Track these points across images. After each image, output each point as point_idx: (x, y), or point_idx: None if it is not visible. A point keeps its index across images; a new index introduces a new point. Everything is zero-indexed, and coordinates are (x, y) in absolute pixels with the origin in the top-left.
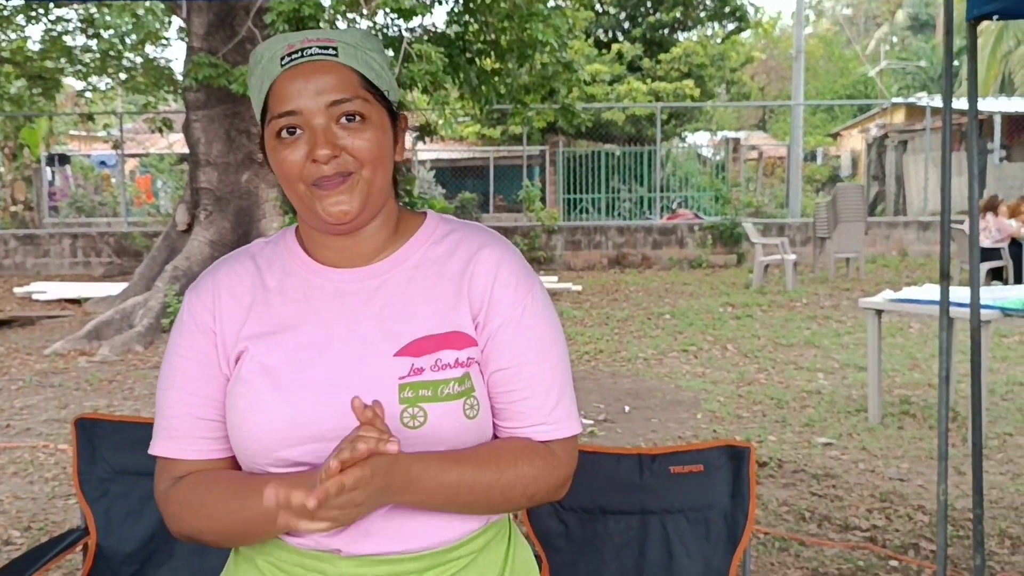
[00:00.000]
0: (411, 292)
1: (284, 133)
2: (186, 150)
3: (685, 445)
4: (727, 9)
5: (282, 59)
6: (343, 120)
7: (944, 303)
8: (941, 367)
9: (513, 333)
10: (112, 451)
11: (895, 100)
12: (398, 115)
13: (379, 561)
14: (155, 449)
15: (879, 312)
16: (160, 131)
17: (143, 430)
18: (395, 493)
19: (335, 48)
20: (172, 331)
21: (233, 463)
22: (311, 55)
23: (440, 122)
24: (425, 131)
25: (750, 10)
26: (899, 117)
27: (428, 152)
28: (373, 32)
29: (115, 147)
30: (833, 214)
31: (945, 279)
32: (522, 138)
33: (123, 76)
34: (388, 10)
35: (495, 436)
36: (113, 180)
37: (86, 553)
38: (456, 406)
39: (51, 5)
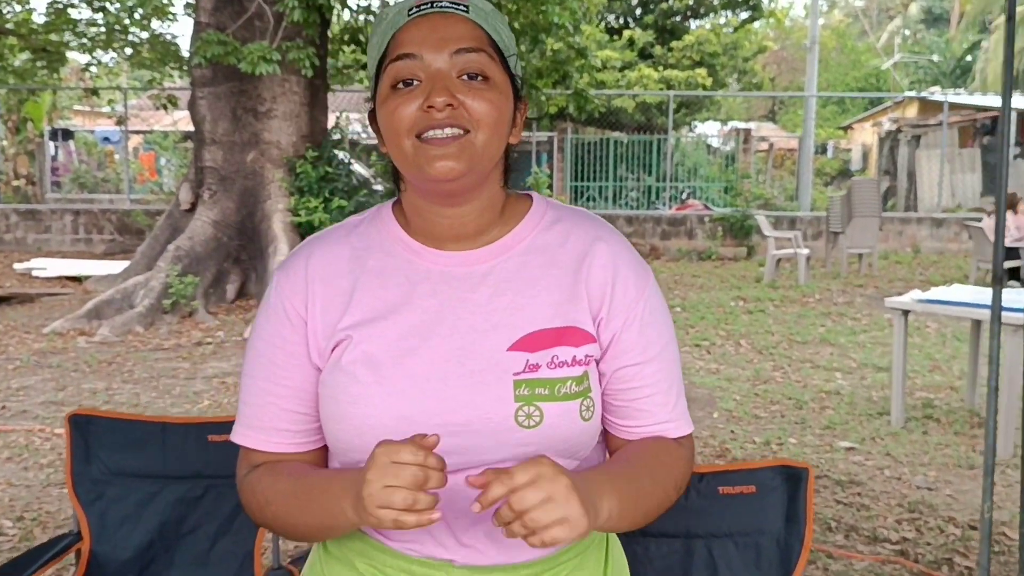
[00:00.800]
0: (523, 280)
1: (400, 85)
2: (191, 128)
3: (736, 464)
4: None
5: (409, 10)
6: (466, 77)
7: (996, 308)
8: (991, 376)
9: (638, 331)
10: (108, 451)
11: (909, 94)
12: (521, 97)
13: (492, 570)
14: (236, 437)
15: (905, 312)
16: (165, 108)
17: (141, 429)
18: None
19: (466, 6)
20: (258, 313)
21: (316, 458)
22: (441, 8)
23: None
24: None
25: (764, 0)
26: (911, 111)
27: None
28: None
29: (119, 123)
30: (847, 208)
31: (997, 283)
32: (530, 124)
33: (128, 51)
34: None
35: (607, 435)
36: (116, 157)
37: (78, 560)
38: (573, 407)
39: None
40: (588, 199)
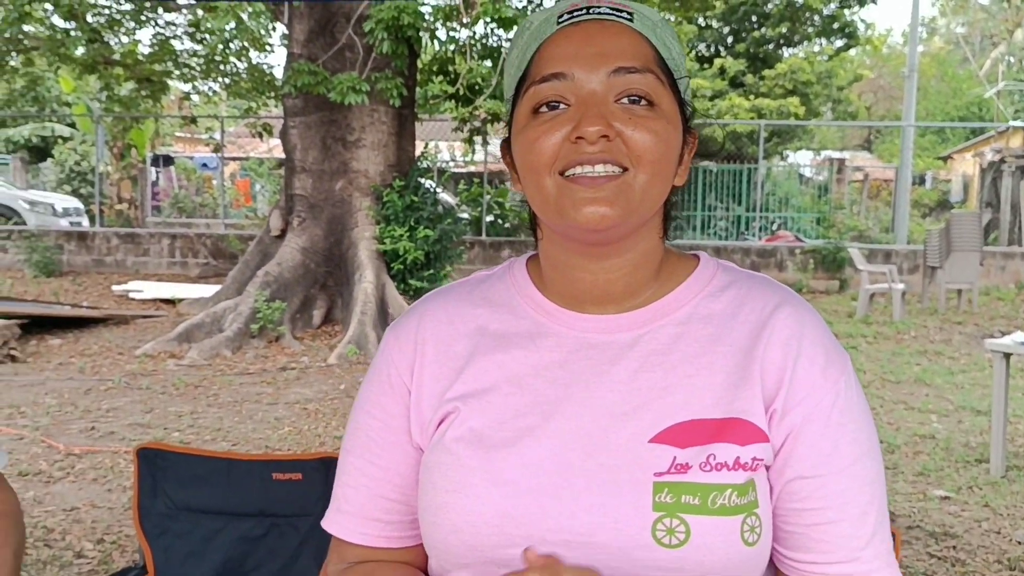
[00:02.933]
0: (679, 356)
1: (544, 108)
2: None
3: None
4: (836, 25)
5: (559, 17)
6: (626, 101)
7: None
8: None
9: (821, 430)
10: (175, 485)
11: (1014, 123)
12: (690, 129)
13: None
14: (326, 522)
15: (1007, 355)
16: (260, 136)
17: (209, 464)
18: None
19: (630, 13)
20: (366, 377)
21: (416, 557)
22: (599, 14)
23: None
24: None
25: (860, 26)
26: (1016, 142)
27: None
28: (475, 40)
29: (216, 150)
30: (946, 242)
31: None
32: None
33: (227, 81)
34: (489, 19)
35: (773, 569)
36: (214, 182)
37: None
38: (732, 524)
39: (160, 9)
40: (675, 228)
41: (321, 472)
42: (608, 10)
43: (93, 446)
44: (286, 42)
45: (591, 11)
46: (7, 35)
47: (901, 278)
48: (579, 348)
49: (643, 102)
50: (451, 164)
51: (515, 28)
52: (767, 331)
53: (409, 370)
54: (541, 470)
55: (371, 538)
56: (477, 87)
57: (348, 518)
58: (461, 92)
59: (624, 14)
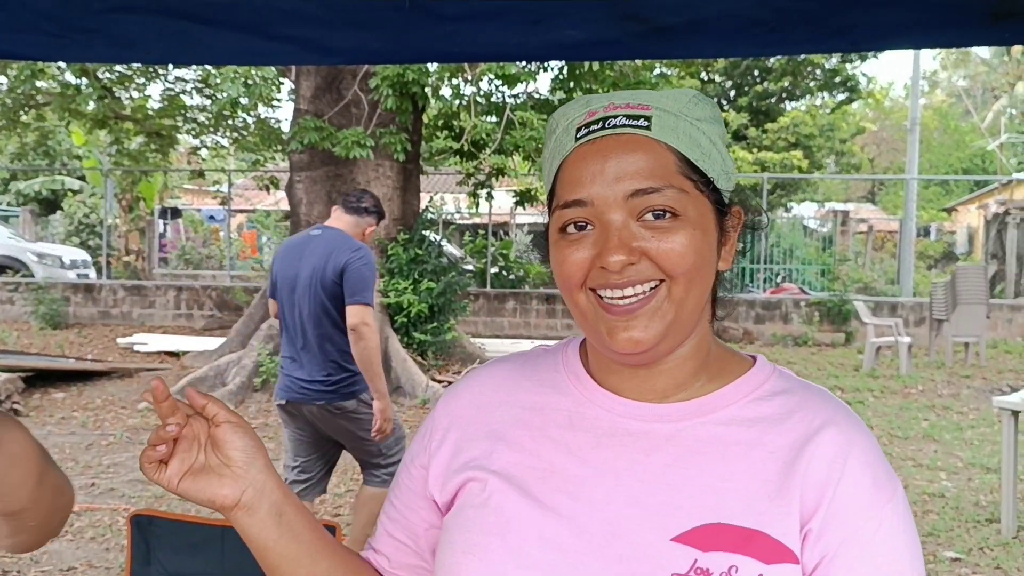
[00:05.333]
0: (715, 456)
1: (571, 228)
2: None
3: None
4: (838, 79)
5: (578, 131)
6: (647, 216)
7: None
8: None
9: (859, 556)
10: (168, 553)
11: (1018, 176)
12: (728, 209)
13: None
14: (366, 552)
15: (1016, 413)
16: (267, 189)
17: (202, 532)
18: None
19: (648, 118)
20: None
21: None
22: (614, 127)
23: (538, 187)
24: (525, 197)
25: (862, 80)
26: (1020, 194)
27: (526, 216)
28: (480, 96)
29: (223, 203)
30: (952, 295)
31: None
32: None
33: (234, 135)
34: (492, 76)
35: None
36: (221, 234)
37: None
38: None
39: (170, 66)
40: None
41: None
42: (624, 120)
43: (92, 503)
44: (293, 97)
45: (607, 124)
46: (20, 91)
47: (907, 331)
48: (614, 433)
49: (667, 215)
50: (456, 216)
51: (518, 86)
52: (812, 445)
53: (445, 428)
54: (559, 548)
55: (376, 565)
56: (481, 142)
57: (376, 556)
58: (466, 148)
59: (642, 121)
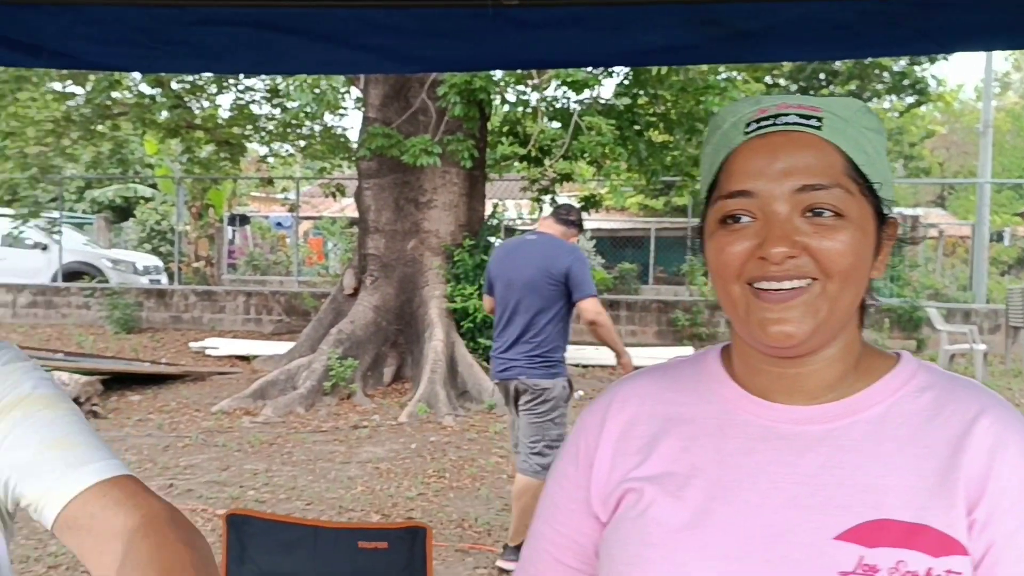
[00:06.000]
0: (868, 454)
1: (730, 220)
2: (356, 214)
3: None
4: (906, 82)
5: (747, 125)
6: (811, 213)
7: None
8: None
9: None
10: (262, 552)
11: None
12: (887, 219)
13: None
14: None
15: None
16: (334, 196)
17: (296, 532)
18: None
19: (819, 119)
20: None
21: None
22: (786, 124)
23: (604, 192)
24: (590, 203)
25: (931, 83)
26: None
27: (589, 222)
28: (546, 102)
29: (291, 210)
30: None
31: None
32: (685, 209)
33: (302, 143)
34: (560, 82)
35: None
36: (288, 240)
37: None
38: None
39: (240, 76)
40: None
41: (407, 541)
42: (796, 119)
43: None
44: (359, 105)
45: (778, 121)
46: (96, 102)
47: (982, 338)
48: (765, 437)
49: (830, 213)
50: (518, 222)
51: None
52: (971, 438)
53: (595, 443)
54: (722, 555)
55: None
56: (547, 148)
57: None
58: (533, 153)
59: (813, 121)
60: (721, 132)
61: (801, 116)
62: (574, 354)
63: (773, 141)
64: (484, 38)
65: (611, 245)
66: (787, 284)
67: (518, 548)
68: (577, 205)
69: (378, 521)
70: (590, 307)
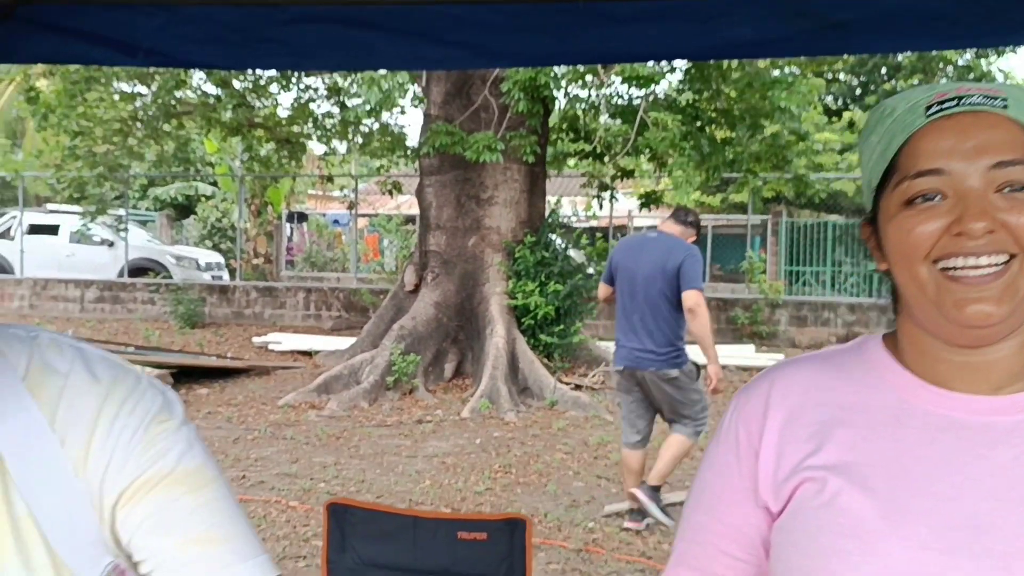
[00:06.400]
0: None
1: (919, 200)
2: (412, 211)
3: None
4: (972, 75)
5: (927, 108)
6: (1007, 189)
7: None
8: None
9: None
10: (362, 541)
11: None
12: None
13: None
14: (668, 575)
15: None
16: (390, 193)
17: (396, 521)
18: None
19: (1004, 99)
20: (712, 438)
21: None
22: (971, 104)
23: (662, 189)
24: (651, 199)
25: (998, 76)
26: None
27: (645, 219)
28: (609, 99)
29: (350, 207)
30: None
31: None
32: (741, 207)
33: (361, 141)
34: (623, 78)
35: None
36: (344, 238)
37: None
38: None
39: (303, 74)
40: (803, 283)
41: (506, 533)
42: (981, 99)
43: (245, 495)
44: (416, 103)
45: (961, 101)
46: (161, 102)
47: None
48: (949, 428)
49: None
50: (573, 219)
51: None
52: None
53: (759, 432)
54: (925, 547)
55: None
56: (609, 144)
57: (693, 573)
58: (599, 149)
59: (998, 101)
60: (893, 119)
61: (985, 96)
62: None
63: (961, 121)
64: (573, 33)
65: None
66: (984, 260)
67: (656, 488)
68: (636, 202)
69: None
70: (692, 297)
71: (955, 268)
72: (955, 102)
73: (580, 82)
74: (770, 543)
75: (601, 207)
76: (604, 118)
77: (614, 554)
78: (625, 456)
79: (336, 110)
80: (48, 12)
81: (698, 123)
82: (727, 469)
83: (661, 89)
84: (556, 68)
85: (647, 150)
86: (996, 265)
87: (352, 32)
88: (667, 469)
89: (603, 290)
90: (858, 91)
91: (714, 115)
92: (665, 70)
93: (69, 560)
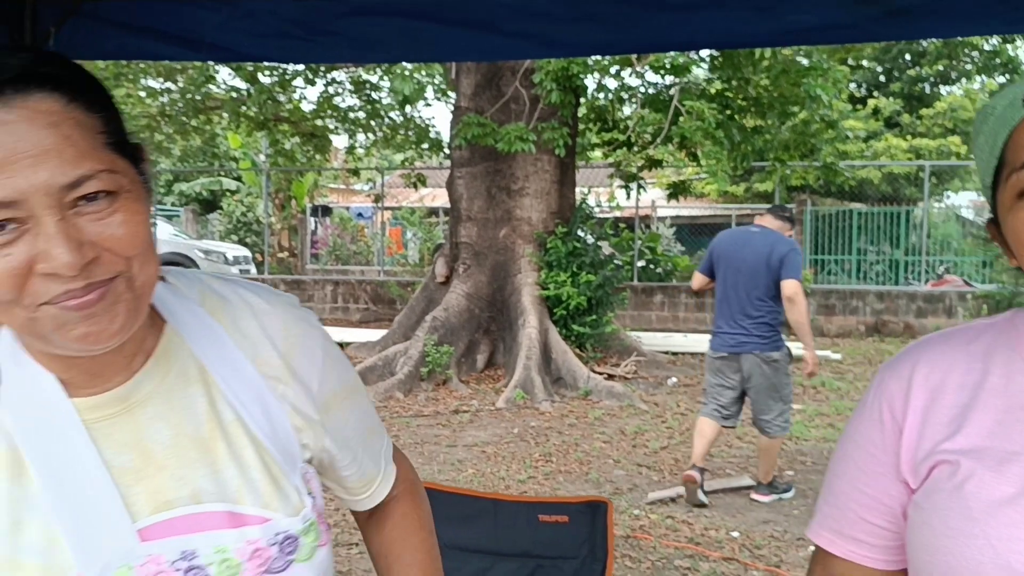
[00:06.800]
0: None
1: None
2: (435, 204)
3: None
4: (998, 60)
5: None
6: None
7: None
8: None
9: None
10: (441, 523)
11: None
12: None
13: None
14: (813, 535)
15: None
16: (415, 186)
17: (476, 504)
18: None
19: None
20: (855, 411)
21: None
22: None
23: (688, 179)
24: (679, 189)
25: None
26: None
27: (668, 209)
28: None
29: (376, 200)
30: None
31: None
32: (765, 195)
33: (381, 134)
34: (658, 67)
35: None
36: (367, 231)
37: None
38: None
39: (328, 67)
40: (828, 272)
41: (588, 515)
42: None
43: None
44: (439, 96)
45: None
46: (190, 97)
47: None
48: None
49: None
50: (596, 210)
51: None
52: None
53: (902, 411)
54: None
55: (858, 556)
56: (639, 133)
57: (837, 536)
58: (633, 139)
59: None
60: (995, 116)
61: None
62: (662, 341)
63: None
64: (631, 22)
65: (690, 232)
66: None
67: (771, 484)
68: (663, 192)
69: None
70: (792, 286)
71: None
72: None
73: (610, 71)
74: (908, 516)
75: (628, 197)
76: (633, 108)
77: (662, 540)
78: (702, 424)
79: (358, 103)
80: (113, 8)
81: (728, 111)
82: (870, 443)
83: (691, 78)
84: (589, 58)
85: (680, 139)
86: None
87: (412, 23)
88: (770, 466)
89: (699, 280)
90: (882, 78)
91: (743, 103)
92: (695, 59)
93: (278, 458)
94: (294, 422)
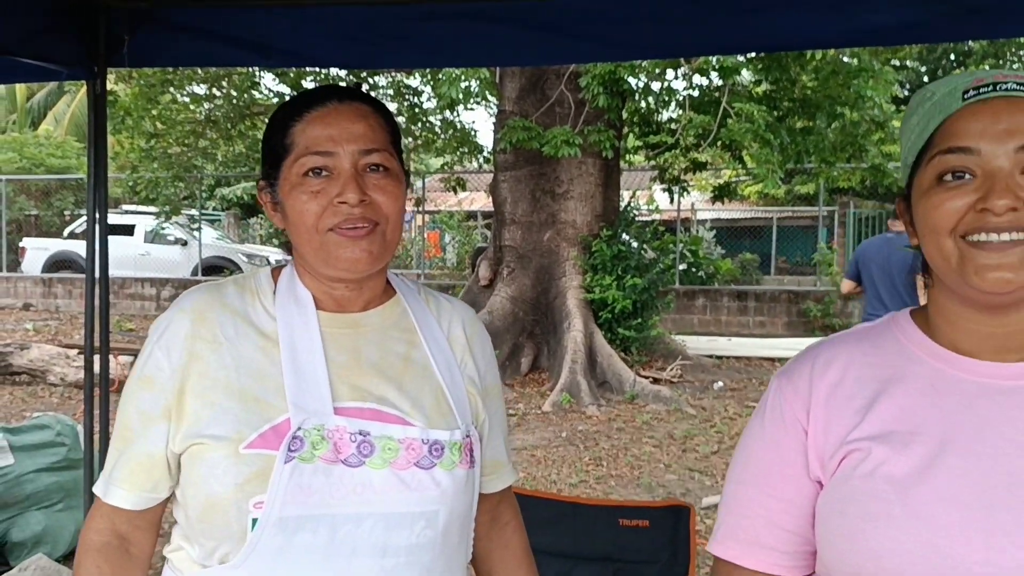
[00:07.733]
0: None
1: (949, 177)
2: (474, 207)
3: None
4: None
5: (965, 92)
6: None
7: None
8: None
9: None
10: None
11: None
12: None
13: None
14: (715, 547)
15: None
16: (454, 190)
17: (556, 508)
18: None
19: None
20: (753, 415)
21: None
22: (1006, 90)
23: (732, 181)
24: (724, 191)
25: None
26: None
27: (708, 212)
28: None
29: (417, 204)
30: None
31: None
32: (805, 198)
33: (427, 138)
34: (702, 69)
35: None
36: (405, 235)
37: None
38: None
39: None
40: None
41: (670, 520)
42: (1015, 86)
43: None
44: (478, 101)
45: (998, 87)
46: (235, 102)
47: None
48: (983, 394)
49: None
50: (634, 213)
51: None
52: None
53: (804, 410)
54: (962, 505)
55: (769, 565)
56: (685, 136)
57: (747, 546)
58: (683, 142)
59: None
60: (933, 102)
61: (1020, 84)
62: (706, 345)
63: (995, 105)
64: (699, 24)
65: (730, 235)
66: (1006, 236)
67: None
68: (703, 195)
69: None
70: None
71: (979, 242)
72: (991, 88)
73: (656, 73)
74: (816, 513)
75: (671, 200)
76: (678, 111)
77: None
78: None
79: (394, 107)
80: (183, 15)
81: (776, 113)
82: (776, 445)
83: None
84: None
85: (728, 142)
86: (1016, 240)
87: (479, 27)
88: None
89: (847, 285)
90: (926, 79)
91: (791, 105)
92: (743, 61)
93: (455, 405)
94: (468, 388)
